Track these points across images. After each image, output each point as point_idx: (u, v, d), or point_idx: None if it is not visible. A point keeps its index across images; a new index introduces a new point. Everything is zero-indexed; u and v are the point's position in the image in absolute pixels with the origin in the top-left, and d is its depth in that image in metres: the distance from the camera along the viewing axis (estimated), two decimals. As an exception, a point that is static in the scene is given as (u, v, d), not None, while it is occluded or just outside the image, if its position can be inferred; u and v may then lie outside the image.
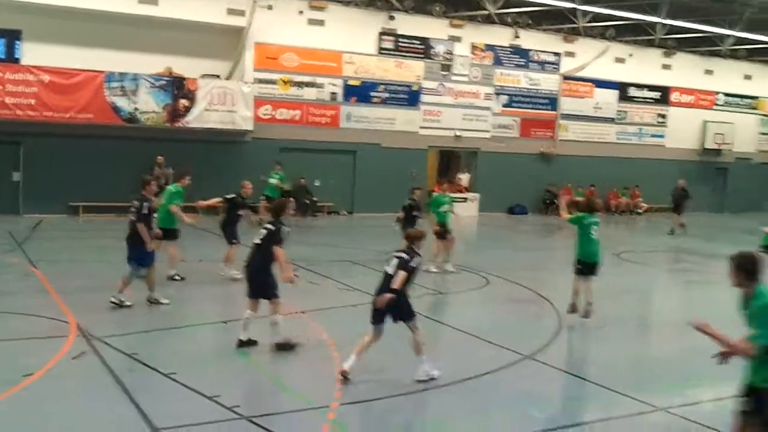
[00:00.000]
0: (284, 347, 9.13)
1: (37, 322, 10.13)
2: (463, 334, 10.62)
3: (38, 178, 22.21)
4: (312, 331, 10.38)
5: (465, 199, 28.67)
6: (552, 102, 31.84)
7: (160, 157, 22.39)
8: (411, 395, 7.90)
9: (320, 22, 26.55)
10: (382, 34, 27.83)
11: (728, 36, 33.21)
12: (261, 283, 9.34)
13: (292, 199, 12.28)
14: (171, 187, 14.13)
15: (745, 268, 5.45)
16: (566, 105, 32.09)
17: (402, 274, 8.12)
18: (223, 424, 6.83)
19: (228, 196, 14.48)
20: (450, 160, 32.46)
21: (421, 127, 28.86)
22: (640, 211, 33.22)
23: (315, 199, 26.37)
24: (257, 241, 9.47)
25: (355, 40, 27.21)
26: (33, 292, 12.04)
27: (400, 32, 28.10)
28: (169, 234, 13.30)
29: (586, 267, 11.42)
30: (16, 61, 22.24)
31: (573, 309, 11.50)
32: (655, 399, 7.93)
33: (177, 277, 13.46)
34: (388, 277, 8.25)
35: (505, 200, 30.46)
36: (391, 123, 28.20)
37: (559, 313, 11.96)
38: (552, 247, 23.03)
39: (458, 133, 29.55)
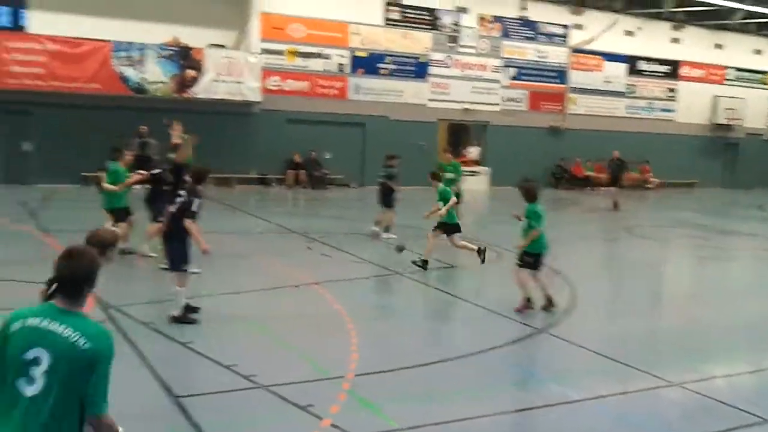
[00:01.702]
0: (181, 320, 8.91)
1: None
2: (476, 306, 10.61)
3: (50, 149, 22.20)
4: (325, 302, 10.39)
5: (475, 173, 28.60)
6: (561, 75, 31.65)
7: (143, 127, 21.83)
8: (426, 366, 7.90)
9: (327, -9, 26.36)
10: (388, 4, 27.65)
11: (738, 10, 32.89)
12: (168, 251, 9.32)
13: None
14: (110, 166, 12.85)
15: None
16: (575, 78, 31.92)
17: None
18: (240, 393, 6.85)
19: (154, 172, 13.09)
20: (460, 133, 32.35)
21: (430, 100, 28.74)
22: (650, 186, 33.10)
23: (325, 171, 26.32)
24: (172, 209, 9.40)
25: (361, 11, 27.06)
26: (47, 262, 11.99)
27: (406, 2, 27.87)
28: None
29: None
30: (22, 29, 22.15)
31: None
32: (670, 374, 7.92)
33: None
34: None
35: (516, 174, 29.94)
36: (399, 95, 28.08)
37: (571, 287, 11.95)
38: (563, 221, 22.95)
39: (467, 106, 29.40)
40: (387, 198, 16.17)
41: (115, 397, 6.57)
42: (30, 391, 3.24)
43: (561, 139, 31.64)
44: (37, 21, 22.17)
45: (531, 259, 10.09)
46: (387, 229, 16.08)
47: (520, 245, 10.07)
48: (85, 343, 3.27)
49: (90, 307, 9.20)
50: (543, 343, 9.13)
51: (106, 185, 12.37)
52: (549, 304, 10.20)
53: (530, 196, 10.19)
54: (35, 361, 3.25)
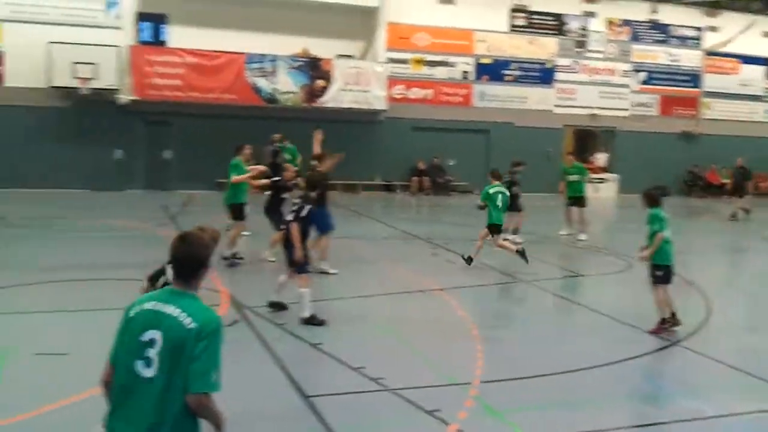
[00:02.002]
0: (311, 322, 9.11)
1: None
2: (606, 317, 10.39)
3: (188, 156, 23.38)
4: (450, 308, 10.45)
5: (603, 180, 27.95)
6: (694, 79, 30.47)
7: (276, 136, 22.55)
8: (553, 376, 7.81)
9: (451, 1, 26.45)
10: (513, 10, 27.46)
11: None
12: (288, 256, 9.63)
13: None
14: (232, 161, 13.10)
15: None
16: (710, 82, 30.66)
17: None
18: (368, 395, 6.99)
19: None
20: (586, 140, 31.65)
21: (556, 106, 28.32)
22: (790, 194, 31.29)
23: (448, 178, 26.42)
24: (289, 216, 9.79)
25: (486, 18, 26.99)
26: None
27: (532, 8, 27.59)
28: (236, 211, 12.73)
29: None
30: (163, 44, 23.44)
31: None
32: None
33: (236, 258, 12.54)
34: None
35: (645, 181, 28.92)
36: (524, 101, 27.83)
37: (706, 298, 11.50)
38: (695, 230, 22.07)
39: (594, 112, 28.77)
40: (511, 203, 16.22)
41: (250, 393, 6.91)
42: (147, 372, 3.38)
43: (694, 145, 30.42)
44: (176, 35, 23.43)
45: (661, 272, 9.39)
46: (515, 232, 16.26)
47: (644, 255, 9.41)
48: (191, 322, 3.38)
49: (224, 308, 9.68)
50: (675, 355, 8.83)
51: (234, 177, 12.65)
52: (673, 321, 9.47)
53: (651, 201, 9.78)
54: (150, 343, 3.39)
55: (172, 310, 3.43)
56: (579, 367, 8.10)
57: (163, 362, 3.36)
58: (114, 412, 3.49)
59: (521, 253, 13.12)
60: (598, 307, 10.97)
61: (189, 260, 3.57)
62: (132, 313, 3.53)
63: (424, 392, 7.01)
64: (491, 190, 13.32)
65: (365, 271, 13.19)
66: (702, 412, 7.01)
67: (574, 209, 17.16)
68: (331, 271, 12.29)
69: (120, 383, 3.47)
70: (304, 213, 9.56)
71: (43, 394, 6.57)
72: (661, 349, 8.93)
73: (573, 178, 17.24)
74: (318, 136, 14.17)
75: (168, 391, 3.35)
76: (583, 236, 16.93)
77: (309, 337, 8.54)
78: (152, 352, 3.38)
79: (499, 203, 13.21)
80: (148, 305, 3.49)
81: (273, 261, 12.49)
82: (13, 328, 8.98)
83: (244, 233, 13.30)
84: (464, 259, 13.11)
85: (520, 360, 8.33)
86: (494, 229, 13.25)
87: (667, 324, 9.32)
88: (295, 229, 9.40)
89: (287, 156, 21.41)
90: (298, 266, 9.42)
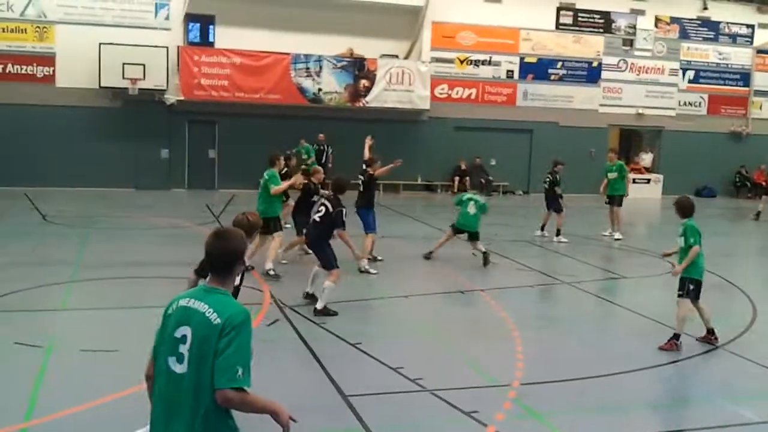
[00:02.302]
0: (325, 313, 9.54)
1: (235, 290, 10.86)
2: (647, 320, 10.28)
3: (232, 156, 23.67)
4: (490, 309, 10.45)
5: (648, 180, 27.58)
6: (744, 77, 29.86)
7: (321, 135, 23.11)
8: (594, 378, 7.79)
9: (497, -1, 26.34)
10: (560, 8, 27.22)
11: None
12: (318, 256, 10.13)
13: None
14: (265, 174, 12.42)
15: None
16: (760, 80, 29.99)
17: None
18: (407, 395, 7.06)
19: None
20: (631, 139, 31.25)
21: (601, 105, 28.02)
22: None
23: (491, 178, 26.33)
24: (316, 218, 10.24)
25: (532, 16, 26.77)
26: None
27: (579, 6, 27.33)
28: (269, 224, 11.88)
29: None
30: (211, 44, 23.78)
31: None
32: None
33: (271, 272, 11.91)
34: None
35: (692, 182, 28.73)
36: (569, 101, 27.56)
37: (752, 302, 11.31)
38: (742, 232, 21.67)
39: (640, 111, 28.39)
40: (552, 203, 16.82)
41: (290, 391, 7.02)
42: (179, 368, 3.45)
43: (743, 145, 29.81)
44: (223, 36, 23.74)
45: (693, 285, 8.94)
46: (558, 233, 16.39)
47: (678, 270, 8.94)
48: (216, 318, 3.41)
49: (266, 306, 9.83)
50: (719, 360, 8.71)
51: (274, 188, 11.98)
52: (711, 337, 9.09)
53: (685, 211, 9.22)
54: (182, 339, 3.45)
55: (201, 306, 3.47)
56: (620, 370, 8.05)
57: (193, 358, 3.40)
58: (154, 406, 3.58)
59: (485, 256, 13.40)
60: (640, 309, 10.86)
61: (223, 256, 3.62)
62: (170, 310, 3.61)
63: (463, 393, 7.04)
64: (465, 197, 13.99)
65: (405, 272, 13.25)
66: (745, 417, 6.93)
67: (613, 208, 17.09)
68: (372, 271, 12.47)
69: (158, 378, 3.55)
70: (344, 216, 10.07)
71: (87, 391, 6.75)
72: (704, 353, 8.82)
73: (612, 175, 17.15)
74: (368, 142, 14.42)
75: (199, 386, 3.38)
76: (617, 235, 16.96)
77: (348, 337, 8.63)
78: (184, 348, 3.43)
79: (470, 209, 13.57)
80: (183, 302, 3.56)
81: (285, 263, 12.60)
82: (58, 324, 9.25)
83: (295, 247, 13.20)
84: (425, 256, 13.82)
85: (560, 362, 8.31)
86: (471, 235, 13.67)
87: (709, 336, 9.05)
88: (343, 234, 10.10)
89: (303, 156, 21.68)
90: (330, 263, 9.87)
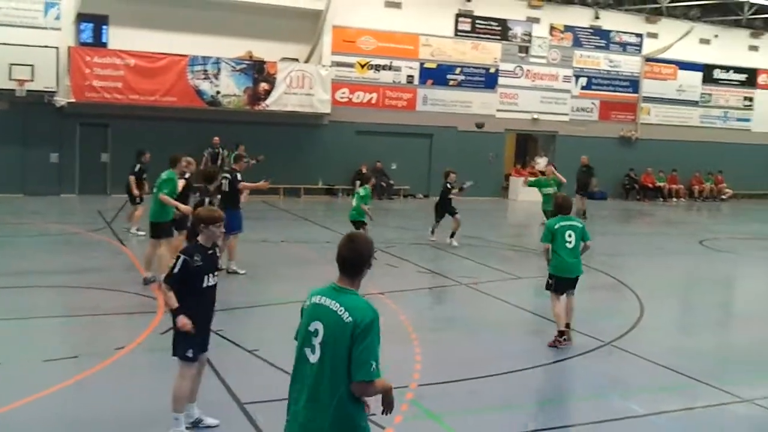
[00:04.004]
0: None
1: (128, 298, 10.55)
2: (541, 318, 10.56)
3: (125, 160, 22.89)
4: (389, 312, 10.49)
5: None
6: (633, 84, 31.14)
7: (216, 138, 22.78)
8: (490, 378, 7.92)
9: (397, 5, 26.57)
10: (459, 15, 27.67)
11: (821, 15, 31.75)
12: None
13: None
14: (163, 174, 11.68)
15: None
16: (648, 87, 31.35)
17: None
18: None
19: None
20: (527, 144, 32.12)
21: (498, 110, 28.63)
22: (724, 197, 32.26)
23: (391, 182, 26.51)
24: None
25: (431, 22, 27.12)
26: (123, 269, 12.53)
27: (477, 14, 27.88)
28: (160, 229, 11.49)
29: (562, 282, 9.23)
30: (104, 45, 23.01)
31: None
32: (740, 390, 7.75)
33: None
34: None
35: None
36: (468, 106, 28.05)
37: (639, 299, 11.78)
38: (632, 232, 22.59)
39: (536, 116, 29.19)
40: (447, 208, 16.69)
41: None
42: (312, 358, 3.87)
43: (632, 149, 31.10)
44: (117, 37, 22.99)
45: (550, 280, 9.16)
46: (452, 235, 16.47)
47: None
48: (348, 317, 3.79)
49: (160, 314, 9.56)
50: (608, 356, 9.02)
51: (163, 196, 11.27)
52: (564, 334, 9.07)
53: (555, 209, 9.41)
54: (315, 333, 3.87)
55: (333, 304, 3.87)
56: (513, 368, 8.22)
57: (324, 350, 3.81)
58: (292, 390, 4.00)
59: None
60: (533, 308, 11.16)
61: (355, 259, 3.99)
62: (305, 305, 4.05)
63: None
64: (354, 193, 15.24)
65: (306, 276, 13.13)
66: (633, 410, 7.19)
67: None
68: (240, 271, 12.34)
69: (296, 366, 3.99)
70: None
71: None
72: (594, 349, 9.11)
73: (548, 191, 17.10)
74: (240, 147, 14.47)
75: (330, 376, 3.78)
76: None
77: (245, 344, 8.49)
78: (316, 341, 3.85)
79: (353, 202, 14.74)
80: (315, 299, 3.98)
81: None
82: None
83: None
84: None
85: (456, 363, 8.41)
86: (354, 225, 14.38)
87: (564, 336, 9.00)
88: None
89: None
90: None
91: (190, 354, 6.10)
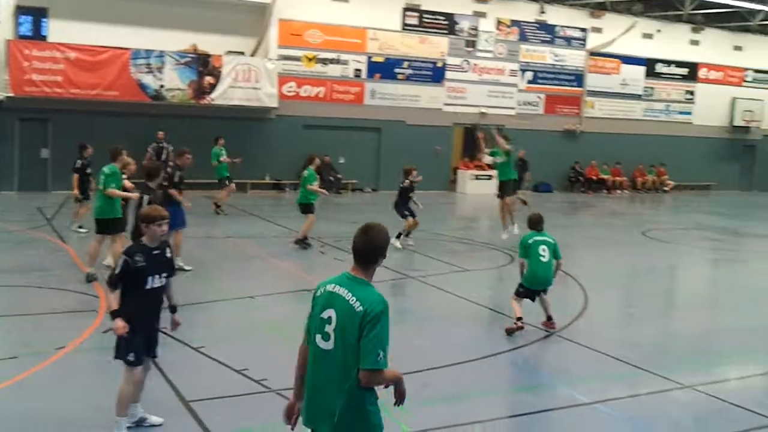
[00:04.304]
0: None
1: (69, 297, 10.31)
2: (488, 310, 10.63)
3: (67, 155, 22.37)
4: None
5: (490, 177, 28.53)
6: (578, 78, 31.57)
7: (160, 133, 22.43)
8: (437, 369, 7.95)
9: (344, -2, 26.46)
10: (406, 9, 27.69)
11: (758, 11, 32.58)
12: None
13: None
14: (105, 168, 11.38)
15: None
16: (592, 81, 31.81)
17: None
18: (252, 397, 6.93)
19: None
20: (475, 138, 32.28)
21: (446, 104, 28.75)
22: (666, 188, 32.99)
23: (339, 176, 26.43)
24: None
25: (378, 16, 27.09)
26: (63, 267, 12.23)
27: (424, 8, 27.93)
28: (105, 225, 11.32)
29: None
30: (43, 38, 22.43)
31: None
32: (682, 377, 7.92)
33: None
34: None
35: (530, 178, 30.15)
36: (416, 100, 28.11)
37: (584, 290, 11.94)
38: (576, 224, 22.94)
39: (483, 110, 29.39)
40: (405, 207, 15.73)
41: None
42: (326, 345, 3.99)
43: (577, 142, 31.55)
44: (57, 30, 22.42)
45: (522, 290, 9.50)
46: (407, 234, 15.72)
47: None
48: (359, 306, 3.91)
49: (102, 313, 9.36)
50: (554, 345, 9.14)
51: (112, 190, 11.13)
52: (549, 323, 9.60)
53: (529, 224, 9.77)
54: (329, 320, 3.99)
55: (345, 293, 3.99)
56: (462, 359, 8.26)
57: (337, 337, 3.94)
58: (308, 376, 4.12)
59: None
60: (483, 301, 11.23)
61: (369, 250, 4.10)
62: (318, 293, 4.16)
63: (308, 392, 6.96)
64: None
65: (252, 271, 13.03)
66: (577, 399, 7.28)
67: (505, 198, 16.85)
68: (186, 267, 12.09)
69: (310, 353, 4.11)
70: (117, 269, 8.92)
71: None
72: (540, 339, 9.21)
73: (498, 159, 16.89)
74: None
75: (342, 362, 3.92)
76: (515, 229, 16.38)
77: (190, 341, 8.35)
78: (329, 328, 3.97)
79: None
80: (329, 287, 4.08)
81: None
82: None
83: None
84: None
85: (406, 355, 8.37)
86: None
87: (519, 323, 9.23)
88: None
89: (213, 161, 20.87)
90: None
91: (131, 358, 5.92)
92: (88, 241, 12.34)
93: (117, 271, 5.85)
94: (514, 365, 8.58)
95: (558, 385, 7.75)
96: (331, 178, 25.79)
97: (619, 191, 31.90)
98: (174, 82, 23.15)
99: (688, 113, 34.47)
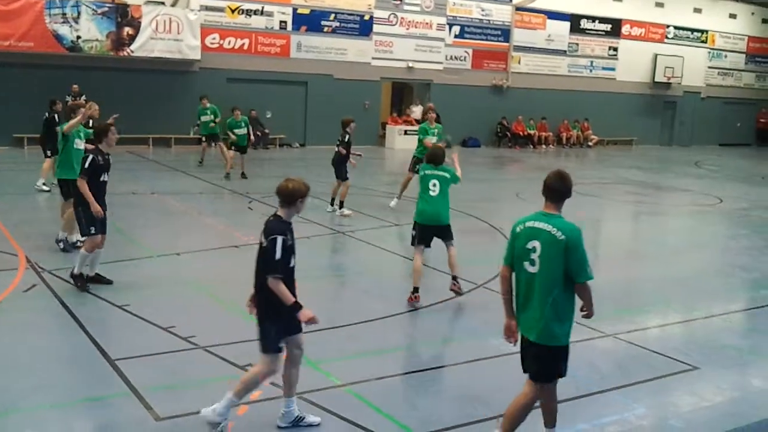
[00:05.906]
0: (76, 281, 8.58)
1: (-16, 256, 9.92)
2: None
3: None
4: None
5: (417, 132, 28.58)
6: (504, 33, 31.67)
7: (75, 86, 21.31)
8: (367, 323, 7.99)
9: (269, -52, 25.79)
10: (332, -40, 27.18)
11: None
12: (76, 217, 8.88)
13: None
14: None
15: None
16: (518, 37, 31.97)
17: None
18: (179, 354, 6.84)
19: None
20: (403, 92, 32.24)
21: (374, 58, 28.51)
22: (590, 143, 33.66)
23: (266, 131, 26.03)
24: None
25: (305, -33, 26.52)
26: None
27: (351, -41, 27.47)
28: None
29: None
30: (-51, -16, 21.22)
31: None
32: (604, 326, 8.11)
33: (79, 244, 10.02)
34: None
35: (458, 133, 29.99)
36: (343, 54, 27.78)
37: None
38: (504, 178, 23.26)
39: (411, 65, 29.28)
40: (339, 168, 14.52)
41: (50, 360, 6.53)
42: (531, 269, 4.93)
43: (504, 97, 31.80)
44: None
45: (414, 231, 8.98)
46: (341, 204, 14.44)
47: None
48: (561, 235, 4.83)
49: (21, 271, 9.06)
50: (480, 297, 9.24)
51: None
52: (455, 287, 9.01)
53: (426, 158, 9.22)
54: (534, 249, 4.90)
55: (546, 226, 4.90)
56: (392, 313, 8.31)
57: (543, 262, 4.86)
58: (518, 296, 5.06)
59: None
60: (410, 254, 11.25)
61: (562, 189, 5.02)
62: (517, 229, 5.04)
63: (238, 347, 6.93)
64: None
65: (177, 228, 12.80)
66: (506, 348, 7.39)
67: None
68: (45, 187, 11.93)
69: (519, 278, 5.02)
70: (86, 164, 8.44)
71: None
72: (468, 291, 9.31)
73: (430, 140, 15.22)
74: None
75: (549, 281, 4.86)
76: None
77: (115, 299, 8.16)
78: (535, 255, 4.89)
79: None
80: (529, 223, 4.97)
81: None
82: None
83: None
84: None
85: (335, 310, 8.41)
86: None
87: (415, 293, 8.69)
88: (82, 184, 8.41)
89: (211, 116, 20.08)
90: (83, 228, 8.66)
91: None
92: (1, 200, 11.86)
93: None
94: (441, 318, 8.67)
95: (485, 336, 7.86)
96: (258, 133, 25.37)
97: (544, 146, 32.40)
98: (91, 32, 22.28)
99: (612, 69, 35.09)
